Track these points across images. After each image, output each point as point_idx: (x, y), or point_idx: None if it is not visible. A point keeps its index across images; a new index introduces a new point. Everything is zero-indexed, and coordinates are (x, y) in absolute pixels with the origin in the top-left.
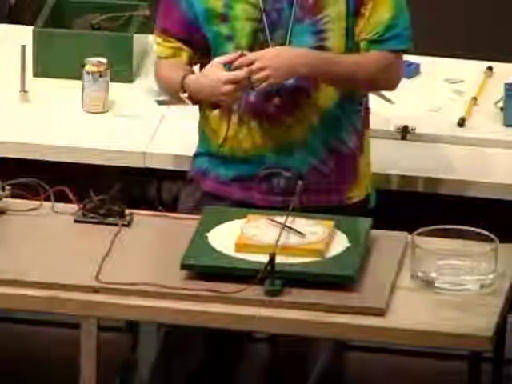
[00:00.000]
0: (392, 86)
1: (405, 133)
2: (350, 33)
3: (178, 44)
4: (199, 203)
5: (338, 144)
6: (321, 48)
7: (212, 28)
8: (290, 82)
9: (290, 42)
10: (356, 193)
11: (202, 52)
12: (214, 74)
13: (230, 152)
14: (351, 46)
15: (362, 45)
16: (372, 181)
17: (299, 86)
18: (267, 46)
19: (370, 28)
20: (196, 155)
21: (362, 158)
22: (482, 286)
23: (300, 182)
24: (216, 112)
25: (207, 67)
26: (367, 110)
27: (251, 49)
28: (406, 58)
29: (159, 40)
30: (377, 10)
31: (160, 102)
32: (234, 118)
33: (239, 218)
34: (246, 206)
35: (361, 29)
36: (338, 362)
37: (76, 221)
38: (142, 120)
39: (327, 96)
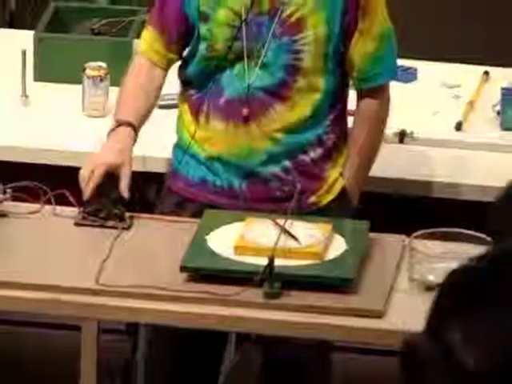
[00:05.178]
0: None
1: (402, 136)
2: (329, 55)
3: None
4: (172, 204)
5: (300, 154)
6: (294, 66)
7: (198, 26)
8: (259, 93)
9: (266, 55)
10: (323, 197)
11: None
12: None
13: (197, 151)
14: (331, 68)
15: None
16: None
17: (269, 97)
18: (242, 57)
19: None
20: (173, 148)
21: (330, 166)
22: None
23: (298, 185)
24: (188, 109)
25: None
26: (341, 126)
27: (226, 55)
28: (404, 63)
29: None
30: (362, 42)
31: (160, 106)
32: (202, 119)
33: (238, 221)
34: (211, 208)
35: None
36: (324, 363)
37: (76, 224)
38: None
39: (294, 111)
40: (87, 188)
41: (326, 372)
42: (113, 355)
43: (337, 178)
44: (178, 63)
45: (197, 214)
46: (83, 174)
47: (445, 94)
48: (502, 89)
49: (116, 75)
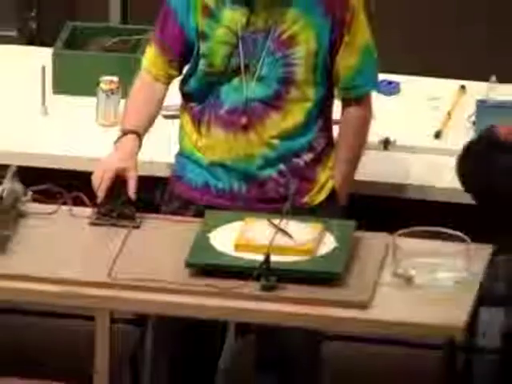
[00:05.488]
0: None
1: (387, 144)
2: (318, 68)
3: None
4: (176, 206)
5: (294, 158)
6: (287, 79)
7: (197, 44)
8: (256, 104)
9: (261, 69)
10: (314, 197)
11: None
12: (109, 163)
13: (199, 158)
14: (319, 79)
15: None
16: (347, 182)
17: (266, 107)
18: (239, 71)
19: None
20: (176, 155)
21: (320, 169)
22: (455, 282)
23: (292, 186)
24: (190, 120)
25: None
26: (328, 132)
27: (224, 70)
28: (388, 77)
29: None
30: (345, 56)
31: (166, 116)
32: (203, 129)
33: (238, 221)
34: (213, 209)
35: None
36: (313, 350)
37: (91, 223)
38: (149, 132)
39: (288, 119)
40: (99, 191)
41: (317, 361)
42: (122, 343)
43: (327, 179)
44: (179, 77)
45: (199, 215)
46: (94, 178)
47: (425, 105)
48: (478, 101)
49: (127, 88)
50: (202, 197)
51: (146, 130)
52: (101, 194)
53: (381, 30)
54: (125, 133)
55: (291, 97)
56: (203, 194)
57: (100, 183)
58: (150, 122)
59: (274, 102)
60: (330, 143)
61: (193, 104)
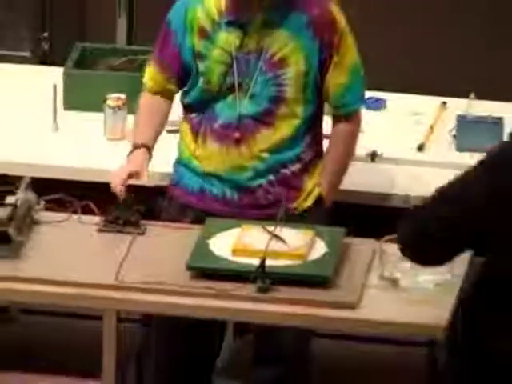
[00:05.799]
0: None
1: (374, 156)
2: (309, 87)
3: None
4: (175, 214)
5: (282, 169)
6: (278, 98)
7: (195, 63)
8: (249, 120)
9: (254, 88)
10: (301, 204)
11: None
12: (120, 173)
13: (196, 166)
14: (310, 97)
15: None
16: (331, 188)
17: (257, 123)
18: (233, 89)
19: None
20: (174, 163)
21: (307, 178)
22: (436, 285)
23: (284, 199)
24: (189, 130)
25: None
26: (317, 146)
27: (220, 88)
28: (375, 94)
29: (152, 68)
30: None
31: (169, 131)
32: (200, 140)
33: (235, 228)
34: (207, 215)
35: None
36: (304, 347)
37: (99, 230)
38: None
39: (278, 134)
40: (120, 194)
41: (309, 358)
42: (129, 342)
43: (313, 187)
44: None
45: (196, 220)
46: (113, 184)
47: (409, 120)
48: (458, 116)
49: (133, 105)
50: (197, 201)
51: (155, 142)
52: (121, 194)
53: (369, 49)
54: (136, 147)
55: (281, 113)
56: (199, 198)
57: (118, 185)
58: (158, 135)
59: (264, 119)
60: (319, 155)
61: (192, 115)
